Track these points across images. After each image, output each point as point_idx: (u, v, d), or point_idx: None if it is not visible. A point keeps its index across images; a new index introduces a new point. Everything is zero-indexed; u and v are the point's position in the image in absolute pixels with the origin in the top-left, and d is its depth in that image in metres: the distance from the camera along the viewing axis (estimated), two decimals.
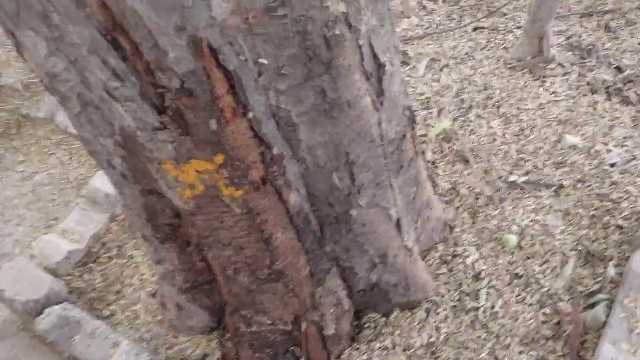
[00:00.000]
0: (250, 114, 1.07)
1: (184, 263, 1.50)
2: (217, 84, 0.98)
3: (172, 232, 1.40)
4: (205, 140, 1.07)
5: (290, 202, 1.29)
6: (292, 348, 1.62)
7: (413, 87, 2.35)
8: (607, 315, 1.53)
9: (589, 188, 1.86)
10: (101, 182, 2.22)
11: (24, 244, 2.27)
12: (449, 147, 2.07)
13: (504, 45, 2.41)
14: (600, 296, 1.60)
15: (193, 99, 0.98)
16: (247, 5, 0.92)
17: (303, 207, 1.34)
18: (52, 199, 2.47)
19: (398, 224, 1.51)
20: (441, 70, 2.40)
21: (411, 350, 1.59)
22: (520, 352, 1.54)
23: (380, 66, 1.21)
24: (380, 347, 1.62)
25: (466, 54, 2.43)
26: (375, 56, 1.18)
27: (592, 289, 1.63)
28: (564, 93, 2.15)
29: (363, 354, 1.61)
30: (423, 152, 1.69)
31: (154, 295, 1.90)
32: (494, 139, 2.07)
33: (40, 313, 1.82)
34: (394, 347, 1.62)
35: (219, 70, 0.97)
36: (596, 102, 2.09)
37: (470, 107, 2.20)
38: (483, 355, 1.56)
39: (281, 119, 1.16)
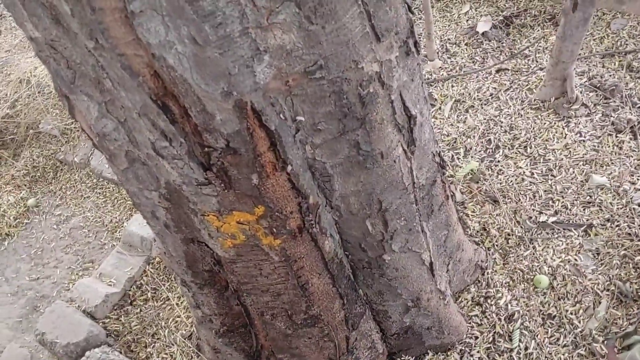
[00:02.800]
0: (289, 168, 1.12)
1: (221, 307, 1.54)
2: (259, 143, 1.04)
3: (211, 278, 1.45)
4: (247, 194, 1.12)
5: (325, 249, 1.33)
6: None
7: (439, 129, 2.40)
8: None
9: (619, 227, 1.86)
10: (136, 227, 2.29)
11: (61, 286, 2.34)
12: (478, 188, 2.10)
13: (527, 87, 2.45)
14: (636, 337, 1.60)
15: (237, 156, 1.04)
16: (288, 70, 0.98)
17: (337, 252, 1.38)
18: (87, 242, 2.55)
19: (431, 268, 1.53)
20: (466, 111, 2.44)
21: None
22: None
23: (411, 118, 1.26)
24: None
25: (491, 95, 2.47)
26: (406, 109, 1.23)
27: (627, 330, 1.63)
28: (589, 133, 2.17)
29: None
30: (453, 194, 1.73)
31: (189, 337, 1.94)
32: (522, 179, 2.10)
33: (81, 356, 1.87)
34: None
35: (261, 129, 1.02)
36: (622, 142, 2.11)
37: (497, 148, 2.23)
38: None
39: (317, 170, 1.21)
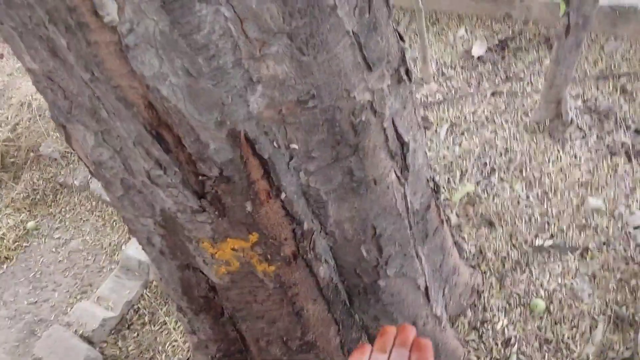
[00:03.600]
0: (283, 195, 1.13)
1: (217, 333, 1.54)
2: (253, 171, 1.05)
3: (207, 304, 1.45)
4: (241, 221, 1.13)
5: (320, 275, 1.34)
6: None
7: (435, 151, 2.41)
8: None
9: (614, 251, 1.87)
10: (134, 251, 2.29)
11: (59, 310, 2.34)
12: (474, 211, 2.11)
13: (523, 110, 2.47)
14: None
15: (231, 184, 1.05)
16: (281, 99, 1.00)
17: (332, 278, 1.39)
18: (86, 265, 2.55)
19: (426, 293, 1.54)
20: (462, 134, 2.46)
21: None
22: None
23: (404, 144, 1.27)
24: None
25: (486, 118, 2.49)
26: (399, 136, 1.25)
27: (624, 356, 1.62)
28: (584, 156, 2.19)
29: None
30: (448, 218, 1.74)
31: None
32: (518, 202, 2.11)
33: None
34: None
35: (255, 158, 1.04)
36: (617, 165, 2.13)
37: (493, 171, 2.25)
38: None
39: (311, 197, 1.22)
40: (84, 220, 2.79)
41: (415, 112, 1.36)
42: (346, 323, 1.47)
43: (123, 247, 2.41)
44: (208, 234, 1.17)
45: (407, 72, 1.23)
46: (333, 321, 1.42)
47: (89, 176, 2.89)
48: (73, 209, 2.86)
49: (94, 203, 2.85)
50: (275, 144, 1.07)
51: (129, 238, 2.48)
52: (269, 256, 1.21)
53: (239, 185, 1.06)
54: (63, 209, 2.88)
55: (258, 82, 0.95)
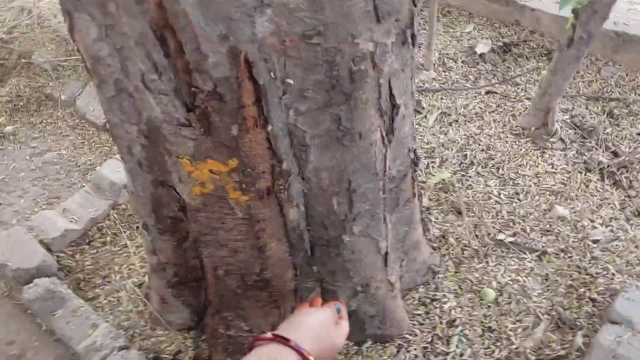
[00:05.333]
0: (270, 127, 1.16)
1: (177, 257, 1.57)
2: (245, 94, 1.07)
3: (173, 226, 1.47)
4: (224, 144, 1.15)
5: (289, 217, 1.37)
6: None
7: (421, 136, 2.45)
8: None
9: (570, 259, 1.94)
10: (108, 171, 2.29)
11: (22, 216, 2.34)
12: (445, 198, 2.16)
13: (512, 113, 2.52)
14: None
15: (222, 103, 1.07)
16: (287, 29, 1.02)
17: (300, 224, 1.42)
18: (57, 179, 2.55)
19: (385, 258, 1.58)
20: (450, 124, 2.50)
21: None
22: None
23: (394, 106, 1.30)
24: None
25: (476, 114, 2.54)
26: (392, 96, 1.28)
27: (559, 354, 1.70)
28: (561, 167, 2.25)
29: None
30: (421, 196, 1.78)
31: (140, 286, 1.96)
32: (489, 197, 2.16)
33: (29, 282, 1.87)
34: None
35: (250, 82, 1.06)
36: (589, 181, 2.19)
37: (472, 164, 2.30)
38: None
39: (295, 138, 1.24)
40: (63, 135, 2.78)
41: (412, 79, 1.38)
42: (304, 270, 1.51)
43: (98, 167, 2.40)
44: (189, 151, 1.19)
45: (413, 36, 1.26)
46: (292, 265, 1.46)
47: (77, 93, 2.87)
48: (55, 123, 2.84)
49: (77, 120, 2.83)
50: (272, 74, 1.09)
51: (105, 159, 2.48)
52: (244, 185, 1.24)
53: (229, 105, 1.08)
54: (45, 121, 2.86)
55: (268, 6, 0.97)
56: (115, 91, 1.19)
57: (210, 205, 1.30)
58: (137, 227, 2.15)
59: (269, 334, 1.07)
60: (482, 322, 1.79)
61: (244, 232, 1.34)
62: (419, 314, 1.81)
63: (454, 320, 1.79)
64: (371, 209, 1.45)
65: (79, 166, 2.59)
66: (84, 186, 2.36)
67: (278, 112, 1.16)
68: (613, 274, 1.88)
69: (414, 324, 1.78)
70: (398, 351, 1.73)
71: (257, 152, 1.19)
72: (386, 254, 1.58)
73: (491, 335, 1.76)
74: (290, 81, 1.12)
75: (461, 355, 1.72)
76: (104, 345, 1.70)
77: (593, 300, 1.81)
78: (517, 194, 2.17)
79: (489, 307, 1.82)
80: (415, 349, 1.73)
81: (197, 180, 1.25)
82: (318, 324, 1.16)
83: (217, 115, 1.10)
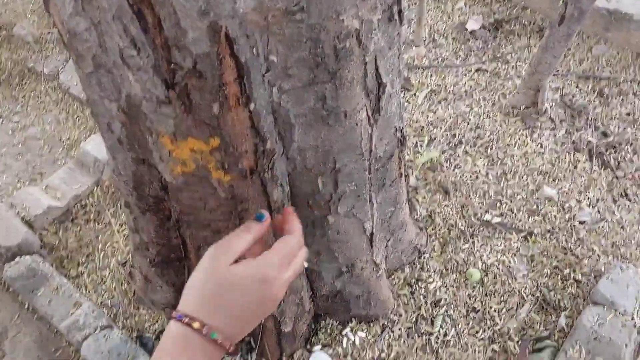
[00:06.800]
0: (252, 106, 1.13)
1: (160, 236, 1.55)
2: (227, 71, 1.04)
3: (155, 205, 1.45)
4: (205, 122, 1.12)
5: (273, 197, 1.34)
6: (248, 339, 1.67)
7: (410, 114, 2.43)
8: None
9: (557, 240, 1.94)
10: (92, 147, 2.25)
11: (5, 192, 2.30)
12: (433, 177, 2.15)
13: (502, 91, 2.50)
14: (548, 342, 1.67)
15: (202, 80, 1.04)
16: (270, 4, 0.98)
17: (284, 204, 1.40)
18: (40, 154, 2.50)
19: (371, 238, 1.57)
20: (439, 102, 2.48)
21: None
22: None
23: (381, 84, 1.28)
24: (332, 354, 1.67)
25: (465, 92, 2.51)
26: (378, 75, 1.25)
27: (542, 334, 1.70)
28: (550, 147, 2.24)
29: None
30: (407, 176, 1.76)
31: (123, 265, 1.94)
32: (477, 177, 2.15)
33: (11, 260, 1.85)
34: (345, 356, 1.67)
35: (231, 58, 1.02)
36: (577, 161, 2.19)
37: (460, 143, 2.28)
38: None
39: (280, 117, 1.21)
40: (47, 110, 2.72)
41: (399, 58, 1.35)
42: None
43: (82, 143, 2.36)
44: (170, 129, 1.16)
45: (400, 13, 1.23)
46: None
47: (61, 67, 2.81)
48: (38, 97, 2.78)
49: (60, 95, 2.78)
50: (254, 50, 1.06)
51: (89, 135, 2.44)
52: (226, 165, 1.21)
53: (210, 83, 1.05)
54: (27, 95, 2.80)
55: None
56: (94, 67, 1.15)
57: (192, 184, 1.28)
58: (121, 205, 2.13)
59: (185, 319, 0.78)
60: (467, 302, 1.79)
61: (227, 213, 1.32)
62: (404, 295, 1.81)
63: (439, 301, 1.79)
64: (356, 189, 1.43)
65: (63, 142, 2.54)
66: (67, 162, 2.32)
67: (261, 90, 1.13)
68: (598, 256, 1.88)
69: (398, 304, 1.78)
70: (382, 331, 1.73)
71: (239, 131, 1.16)
72: (372, 234, 1.56)
73: (475, 315, 1.77)
74: (274, 58, 1.09)
75: (445, 335, 1.73)
76: (87, 324, 1.69)
77: (578, 281, 1.82)
78: (505, 173, 2.16)
79: (474, 287, 1.83)
80: (399, 329, 1.73)
81: (178, 159, 1.22)
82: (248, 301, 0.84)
83: (198, 92, 1.07)
